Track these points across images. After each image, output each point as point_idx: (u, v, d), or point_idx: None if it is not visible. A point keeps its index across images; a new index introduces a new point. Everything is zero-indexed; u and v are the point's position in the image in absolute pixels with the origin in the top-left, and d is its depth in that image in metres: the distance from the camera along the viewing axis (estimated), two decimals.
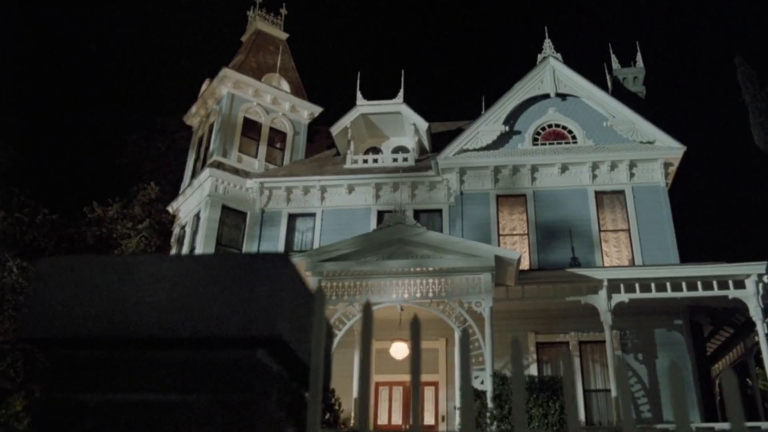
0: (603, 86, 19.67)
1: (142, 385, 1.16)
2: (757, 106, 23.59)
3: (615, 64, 20.77)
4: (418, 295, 12.55)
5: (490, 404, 10.90)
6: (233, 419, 1.15)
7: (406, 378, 15.82)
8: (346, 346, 13.40)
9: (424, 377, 15.80)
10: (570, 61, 18.92)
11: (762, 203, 21.78)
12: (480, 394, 11.29)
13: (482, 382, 11.45)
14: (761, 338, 12.68)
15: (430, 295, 12.48)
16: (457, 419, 12.44)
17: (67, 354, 1.19)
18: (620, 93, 19.71)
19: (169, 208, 21.46)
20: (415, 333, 1.46)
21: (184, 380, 1.16)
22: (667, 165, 16.88)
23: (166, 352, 1.18)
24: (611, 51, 20.94)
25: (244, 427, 1.14)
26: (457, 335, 13.17)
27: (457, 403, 12.81)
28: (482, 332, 11.91)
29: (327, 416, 11.92)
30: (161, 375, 1.17)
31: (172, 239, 20.65)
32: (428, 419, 15.47)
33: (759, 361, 20.10)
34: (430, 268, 12.52)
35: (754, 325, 14.28)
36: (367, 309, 1.43)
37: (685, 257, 16.06)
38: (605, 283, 13.32)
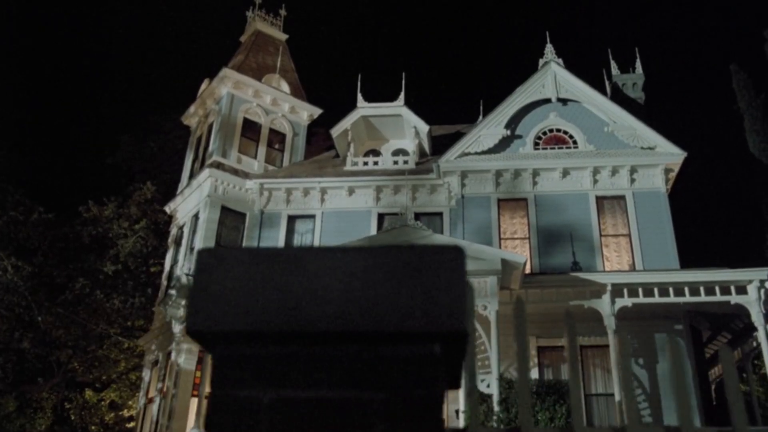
0: (602, 92, 19.76)
1: (318, 381, 1.12)
2: (753, 113, 23.83)
3: (614, 70, 20.89)
4: None
5: (496, 408, 10.88)
6: (413, 416, 1.10)
7: None
8: None
9: None
10: (570, 67, 19.02)
11: (759, 209, 21.98)
12: (486, 398, 11.26)
13: (488, 386, 11.43)
14: (763, 344, 12.76)
15: None
16: (461, 422, 12.40)
17: (238, 349, 1.15)
18: (620, 99, 19.82)
19: (167, 209, 21.30)
20: (571, 329, 1.43)
21: (360, 376, 1.12)
22: (667, 171, 17.00)
23: (342, 346, 1.13)
24: (611, 57, 21.07)
25: (425, 425, 1.10)
26: None
27: (461, 406, 12.78)
28: (488, 335, 11.89)
29: None
30: (337, 370, 1.13)
31: (170, 239, 20.49)
32: None
33: (755, 367, 20.28)
34: None
35: (752, 330, 14.39)
36: (519, 304, 1.39)
37: (685, 262, 16.16)
38: (609, 288, 13.36)
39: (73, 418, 24.71)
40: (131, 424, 25.44)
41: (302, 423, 1.10)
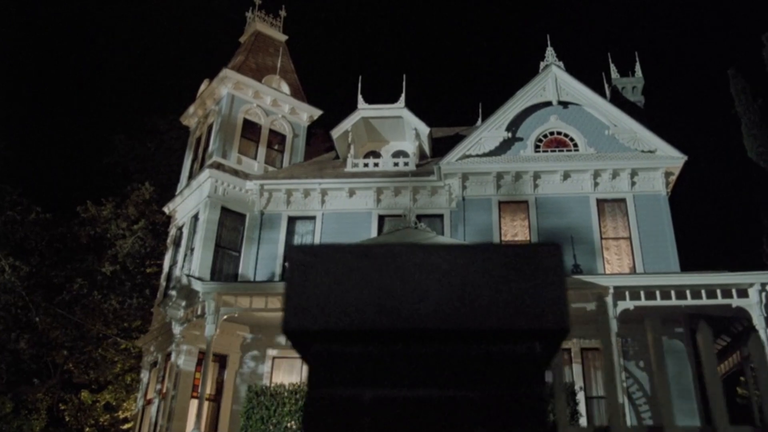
0: (602, 95, 19.82)
1: (417, 380, 1.11)
2: (750, 117, 23.95)
3: (614, 73, 20.96)
4: None
5: None
6: (516, 416, 1.09)
7: None
8: None
9: None
10: (569, 70, 19.06)
11: (757, 213, 22.08)
12: None
13: None
14: (766, 346, 12.80)
15: None
16: None
17: (336, 348, 1.13)
18: (619, 102, 19.88)
19: (165, 209, 21.21)
20: (655, 327, 1.41)
21: (460, 374, 1.11)
22: (668, 174, 17.06)
23: (441, 345, 1.12)
24: (610, 60, 21.16)
25: (529, 424, 1.09)
26: None
27: None
28: None
29: None
30: (436, 369, 1.11)
31: (168, 240, 20.41)
32: None
33: (754, 369, 20.34)
34: None
35: (751, 333, 14.46)
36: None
37: (685, 265, 16.22)
38: (611, 290, 13.39)
39: (67, 419, 24.55)
40: (126, 426, 25.29)
41: (403, 423, 1.09)
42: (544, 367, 1.13)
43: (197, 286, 14.40)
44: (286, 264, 1.34)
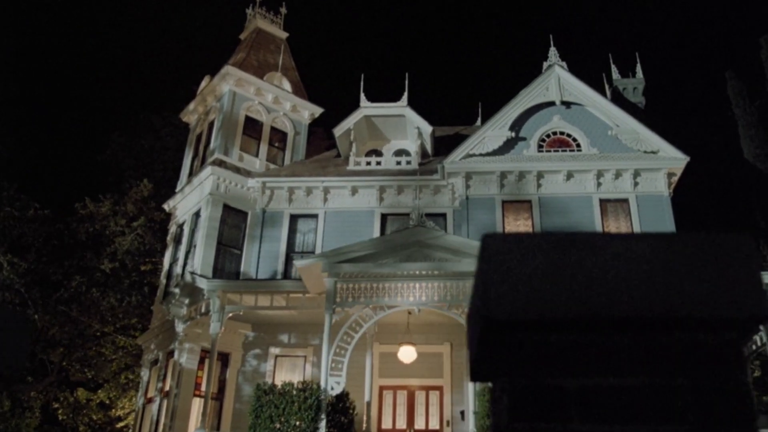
0: (603, 96, 19.91)
1: (621, 368, 1.10)
2: (747, 119, 24.17)
3: (615, 74, 21.06)
4: (436, 298, 12.51)
5: None
6: (724, 404, 1.09)
7: (412, 382, 15.77)
8: (357, 349, 13.29)
9: (430, 382, 15.76)
10: (571, 70, 19.13)
11: (755, 215, 22.29)
12: None
13: None
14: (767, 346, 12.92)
15: (448, 298, 12.45)
16: (471, 425, 12.42)
17: (539, 337, 1.12)
18: (620, 103, 19.97)
19: (165, 206, 21.08)
20: None
21: (664, 363, 1.10)
22: (670, 175, 17.17)
23: (644, 333, 1.11)
24: (611, 61, 21.25)
25: (738, 414, 1.09)
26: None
27: (470, 407, 12.79)
28: None
29: (342, 419, 11.80)
30: (640, 358, 1.11)
31: (168, 237, 20.28)
32: (433, 424, 15.45)
33: (753, 369, 20.52)
34: (448, 272, 12.50)
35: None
36: None
37: None
38: None
39: (61, 417, 24.36)
40: (120, 424, 25.13)
41: (609, 411, 1.08)
42: (744, 354, 1.13)
43: (202, 283, 14.32)
44: (480, 251, 1.34)
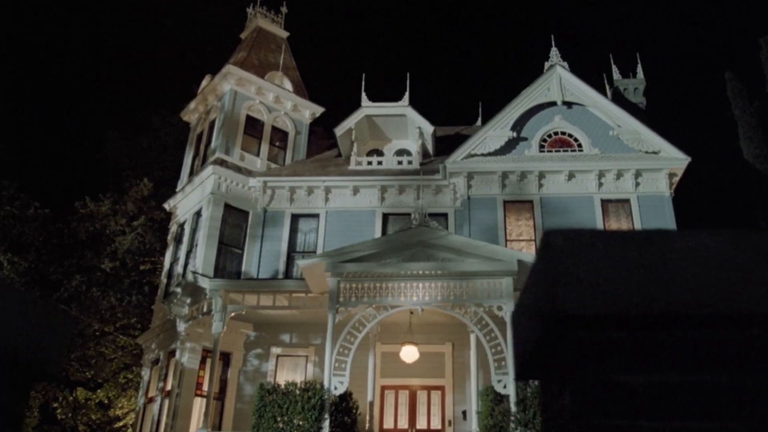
0: (603, 96, 19.93)
1: (686, 364, 1.10)
2: (747, 120, 24.18)
3: (616, 74, 21.07)
4: (439, 297, 12.51)
5: (513, 408, 10.90)
6: None
7: (413, 382, 15.76)
8: (360, 348, 13.28)
9: (431, 381, 15.75)
10: (572, 70, 19.14)
11: (755, 216, 22.32)
12: (503, 398, 11.29)
13: (505, 386, 11.45)
14: None
15: (451, 298, 12.45)
16: (474, 424, 12.41)
17: (606, 333, 1.12)
18: (621, 103, 19.98)
19: (166, 206, 21.04)
20: None
21: (731, 359, 1.10)
22: (671, 175, 17.19)
23: (711, 329, 1.11)
24: (612, 61, 21.25)
25: None
26: (472, 339, 13.16)
27: (473, 406, 12.78)
28: (504, 336, 11.91)
29: (345, 419, 11.79)
30: (706, 354, 1.10)
31: (169, 237, 20.24)
32: (435, 423, 15.44)
33: None
34: (452, 271, 12.50)
35: None
36: None
37: None
38: None
39: (60, 417, 24.28)
40: (119, 424, 25.06)
41: (676, 407, 1.08)
42: None
43: (204, 283, 14.29)
44: (542, 247, 1.33)
